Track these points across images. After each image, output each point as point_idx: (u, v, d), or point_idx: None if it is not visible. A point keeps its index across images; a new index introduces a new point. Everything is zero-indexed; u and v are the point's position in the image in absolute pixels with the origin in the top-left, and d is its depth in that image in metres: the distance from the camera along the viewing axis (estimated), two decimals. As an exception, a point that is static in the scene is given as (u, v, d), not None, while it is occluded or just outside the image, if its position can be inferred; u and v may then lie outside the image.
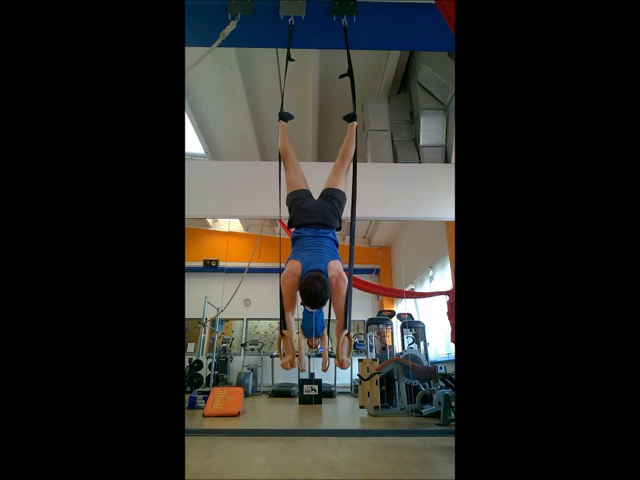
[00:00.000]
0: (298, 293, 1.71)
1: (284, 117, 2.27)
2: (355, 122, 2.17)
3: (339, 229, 1.92)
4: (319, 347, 2.56)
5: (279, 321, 1.72)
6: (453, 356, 4.99)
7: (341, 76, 2.19)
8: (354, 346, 6.91)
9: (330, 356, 2.32)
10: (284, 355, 1.67)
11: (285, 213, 1.94)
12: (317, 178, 2.15)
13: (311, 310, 1.85)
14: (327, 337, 2.48)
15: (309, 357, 6.71)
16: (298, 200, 1.90)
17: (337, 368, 1.87)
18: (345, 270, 1.72)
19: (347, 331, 1.61)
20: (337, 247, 1.85)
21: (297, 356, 1.74)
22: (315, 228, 1.82)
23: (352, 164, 1.97)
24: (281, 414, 4.84)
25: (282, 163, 2.05)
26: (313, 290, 1.59)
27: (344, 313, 1.67)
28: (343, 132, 2.02)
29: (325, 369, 1.95)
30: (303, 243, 1.79)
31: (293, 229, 1.91)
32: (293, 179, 2.01)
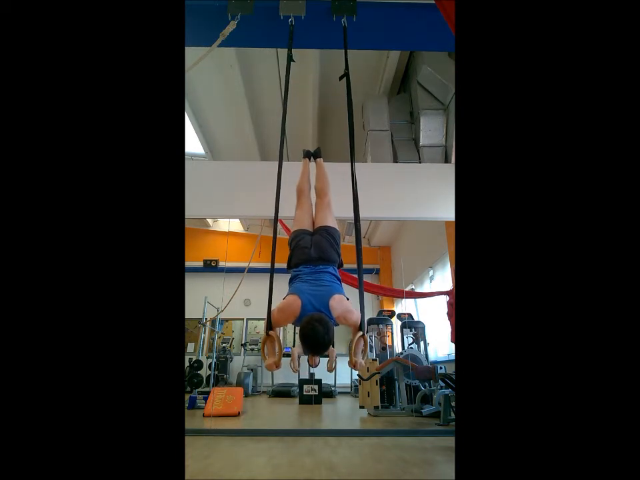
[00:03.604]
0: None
1: (308, 154, 2.27)
2: (320, 158, 2.25)
3: (340, 265, 1.86)
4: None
5: (265, 320, 1.64)
6: (452, 356, 4.99)
7: (341, 78, 2.19)
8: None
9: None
10: (267, 356, 1.64)
11: (284, 213, 1.93)
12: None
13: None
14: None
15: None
16: (297, 238, 1.88)
17: (337, 368, 1.83)
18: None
19: (362, 332, 1.59)
20: (340, 282, 1.76)
21: (291, 357, 1.72)
22: (313, 265, 1.75)
23: (351, 161, 1.94)
24: (280, 414, 4.85)
25: (281, 169, 1.96)
26: (315, 336, 1.48)
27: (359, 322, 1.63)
28: (343, 132, 2.02)
29: (330, 370, 1.94)
30: (301, 279, 1.71)
31: (291, 270, 1.82)
32: (300, 218, 2.00)
